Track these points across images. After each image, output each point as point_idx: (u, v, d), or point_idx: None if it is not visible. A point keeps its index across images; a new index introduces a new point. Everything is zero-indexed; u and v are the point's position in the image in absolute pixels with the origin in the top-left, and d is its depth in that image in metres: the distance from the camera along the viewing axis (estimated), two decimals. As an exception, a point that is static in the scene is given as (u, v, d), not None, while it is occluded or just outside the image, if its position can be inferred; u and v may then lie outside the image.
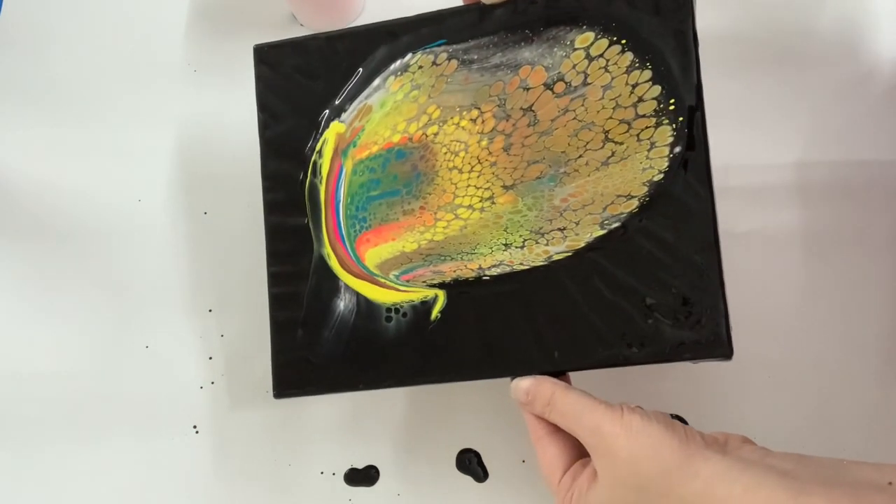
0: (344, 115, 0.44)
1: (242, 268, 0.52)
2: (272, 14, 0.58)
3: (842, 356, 0.50)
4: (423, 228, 0.43)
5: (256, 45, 0.45)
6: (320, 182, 0.44)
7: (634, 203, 0.40)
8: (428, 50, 0.43)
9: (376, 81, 0.44)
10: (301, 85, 0.44)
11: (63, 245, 0.54)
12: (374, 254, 0.43)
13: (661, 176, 0.40)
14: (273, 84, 0.45)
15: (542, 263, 0.41)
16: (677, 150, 0.40)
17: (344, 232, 0.44)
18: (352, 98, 0.44)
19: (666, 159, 0.40)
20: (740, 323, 0.50)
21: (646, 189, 0.40)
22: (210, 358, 0.51)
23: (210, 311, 0.52)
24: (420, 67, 0.43)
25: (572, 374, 0.41)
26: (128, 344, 0.52)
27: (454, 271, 0.42)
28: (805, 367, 0.49)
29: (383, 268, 0.43)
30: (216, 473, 0.49)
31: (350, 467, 0.49)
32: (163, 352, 0.51)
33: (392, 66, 0.44)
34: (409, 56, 0.43)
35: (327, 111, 0.44)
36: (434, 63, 0.43)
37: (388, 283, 0.43)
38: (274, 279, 0.43)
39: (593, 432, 0.35)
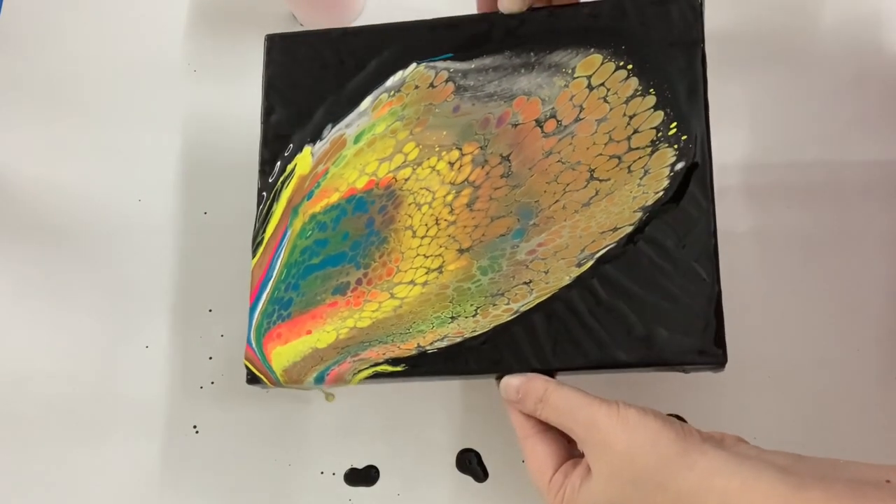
0: (318, 144, 0.42)
1: (242, 268, 0.52)
2: (272, 14, 0.58)
3: (841, 356, 0.50)
4: (347, 313, 0.41)
5: (269, 35, 0.44)
6: (259, 247, 0.42)
7: (625, 231, 0.39)
8: (431, 64, 0.42)
9: (364, 103, 0.42)
10: (309, 78, 0.43)
11: (63, 245, 0.54)
12: (280, 354, 0.41)
13: (661, 194, 0.39)
14: (282, 74, 0.44)
15: (506, 320, 0.40)
16: (679, 166, 0.39)
17: (254, 325, 0.42)
18: (336, 116, 0.43)
19: (666, 179, 0.39)
20: (740, 323, 0.50)
21: (639, 215, 0.39)
22: (210, 358, 0.51)
23: (210, 311, 0.52)
24: (416, 88, 0.42)
25: (562, 378, 0.41)
26: (128, 344, 0.52)
27: (382, 355, 0.40)
28: (804, 367, 0.49)
29: (291, 373, 0.41)
30: (216, 473, 0.49)
31: (350, 467, 0.49)
32: (163, 352, 0.51)
33: (389, 82, 0.42)
34: (411, 67, 0.42)
35: (322, 110, 0.43)
36: (431, 85, 0.42)
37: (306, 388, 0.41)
38: None
39: (589, 426, 0.35)
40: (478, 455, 0.49)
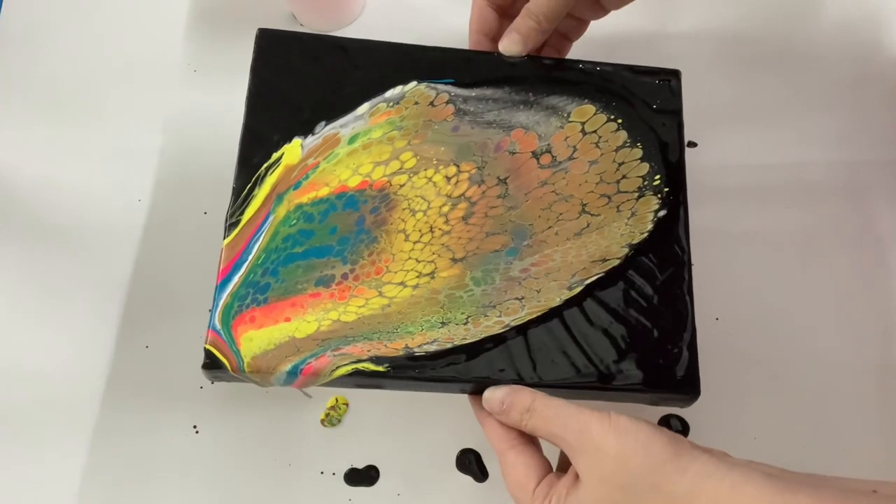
0: (310, 139, 0.42)
1: (242, 268, 0.52)
2: (272, 14, 0.58)
3: (841, 356, 0.50)
4: (331, 305, 0.39)
5: (262, 29, 0.45)
6: (235, 227, 0.41)
7: (613, 263, 0.41)
8: (432, 85, 0.43)
9: (362, 108, 0.43)
10: (302, 74, 0.44)
11: (63, 245, 0.54)
12: (252, 339, 0.39)
13: (645, 235, 0.42)
14: (272, 66, 0.44)
15: (497, 332, 0.40)
16: (662, 213, 0.42)
17: (221, 305, 0.40)
18: (331, 115, 0.43)
19: (650, 222, 0.42)
20: (739, 323, 0.50)
21: (626, 251, 0.41)
22: (210, 358, 0.51)
23: (210, 311, 0.52)
24: (415, 104, 0.43)
25: None
26: (128, 344, 0.52)
27: (367, 352, 0.39)
28: (804, 368, 0.50)
29: (260, 361, 0.39)
30: (216, 473, 0.49)
31: (350, 467, 0.49)
32: (163, 352, 0.51)
33: (388, 93, 0.43)
34: (412, 84, 0.43)
35: (314, 107, 0.43)
36: (431, 104, 0.43)
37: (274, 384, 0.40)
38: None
39: (580, 433, 0.36)
40: (478, 455, 0.49)
